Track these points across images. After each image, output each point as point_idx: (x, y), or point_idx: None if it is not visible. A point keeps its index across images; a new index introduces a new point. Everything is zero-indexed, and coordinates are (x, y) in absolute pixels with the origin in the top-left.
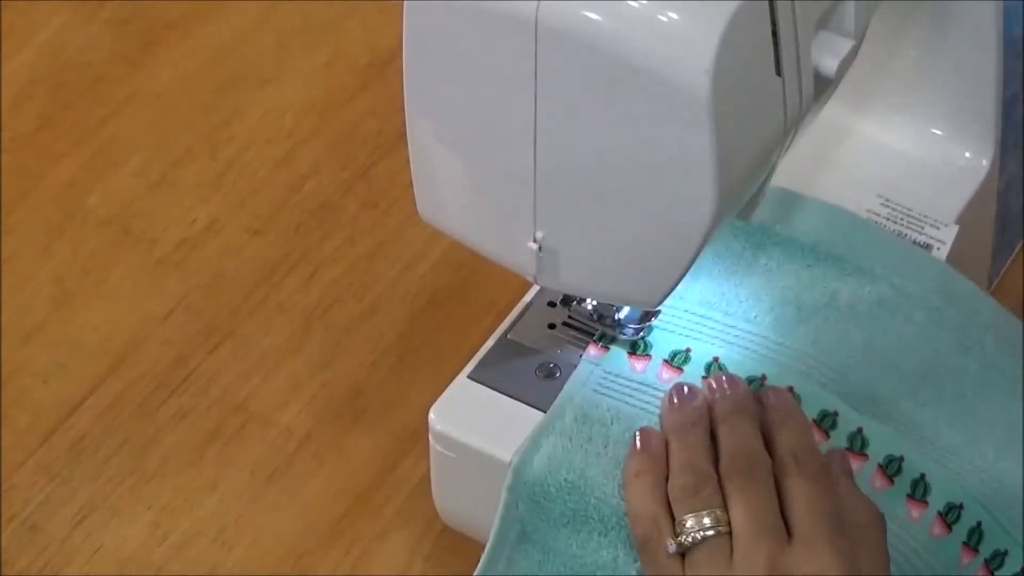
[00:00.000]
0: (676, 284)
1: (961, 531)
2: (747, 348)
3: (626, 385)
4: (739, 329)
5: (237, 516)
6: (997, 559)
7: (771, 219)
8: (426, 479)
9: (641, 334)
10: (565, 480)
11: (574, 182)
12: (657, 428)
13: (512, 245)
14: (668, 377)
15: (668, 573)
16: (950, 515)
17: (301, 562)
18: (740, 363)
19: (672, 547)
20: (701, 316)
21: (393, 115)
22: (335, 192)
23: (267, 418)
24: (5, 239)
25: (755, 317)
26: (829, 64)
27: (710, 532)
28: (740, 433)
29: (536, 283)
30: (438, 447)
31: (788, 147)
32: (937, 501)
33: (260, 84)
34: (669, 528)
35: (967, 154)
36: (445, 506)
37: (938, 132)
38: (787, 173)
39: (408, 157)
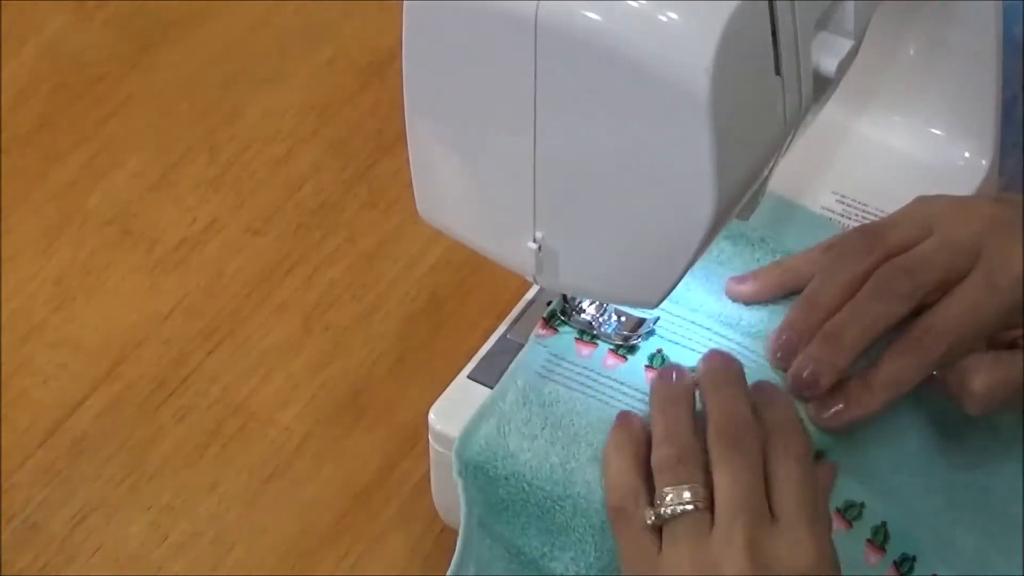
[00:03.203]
0: (676, 284)
1: None
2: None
3: (570, 369)
4: (713, 332)
5: (237, 516)
6: None
7: (764, 227)
8: (426, 479)
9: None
10: (502, 464)
11: (574, 182)
12: (601, 411)
13: (512, 245)
14: (612, 364)
15: (642, 545)
16: (903, 566)
17: (301, 562)
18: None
19: (651, 518)
20: (672, 315)
21: (393, 115)
22: (335, 192)
23: (267, 418)
24: (5, 239)
25: (725, 317)
26: (829, 64)
27: (689, 506)
28: (730, 402)
29: (536, 283)
30: (438, 447)
31: (788, 147)
32: (895, 551)
33: (260, 84)
34: (646, 499)
35: (967, 154)
36: (445, 506)
37: (937, 132)
38: (786, 173)
39: (408, 157)
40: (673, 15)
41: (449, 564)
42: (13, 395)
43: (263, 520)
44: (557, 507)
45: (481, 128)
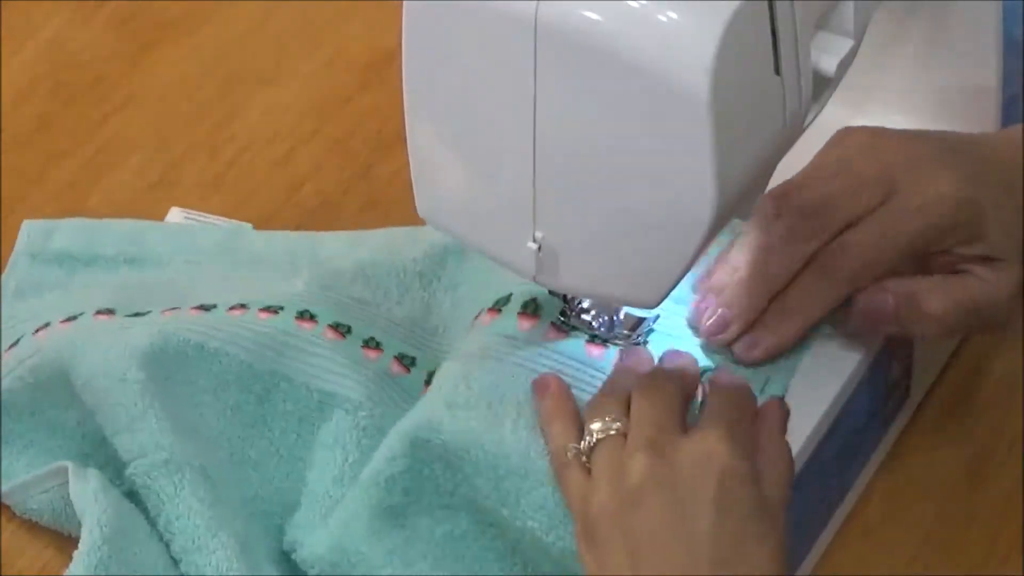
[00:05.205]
0: (676, 284)
1: None
2: None
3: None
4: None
5: None
6: None
7: None
8: None
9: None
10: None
11: (574, 182)
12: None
13: (512, 245)
14: (264, 317)
15: (575, 482)
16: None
17: None
18: None
19: (573, 451)
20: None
21: (393, 115)
22: (335, 192)
23: None
24: (5, 239)
25: None
26: (829, 64)
27: (612, 431)
28: (663, 368)
29: (536, 283)
30: None
31: (788, 147)
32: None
33: (260, 84)
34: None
35: None
36: None
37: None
38: (787, 173)
39: (408, 157)
40: (673, 15)
41: None
42: None
43: None
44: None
45: (481, 128)
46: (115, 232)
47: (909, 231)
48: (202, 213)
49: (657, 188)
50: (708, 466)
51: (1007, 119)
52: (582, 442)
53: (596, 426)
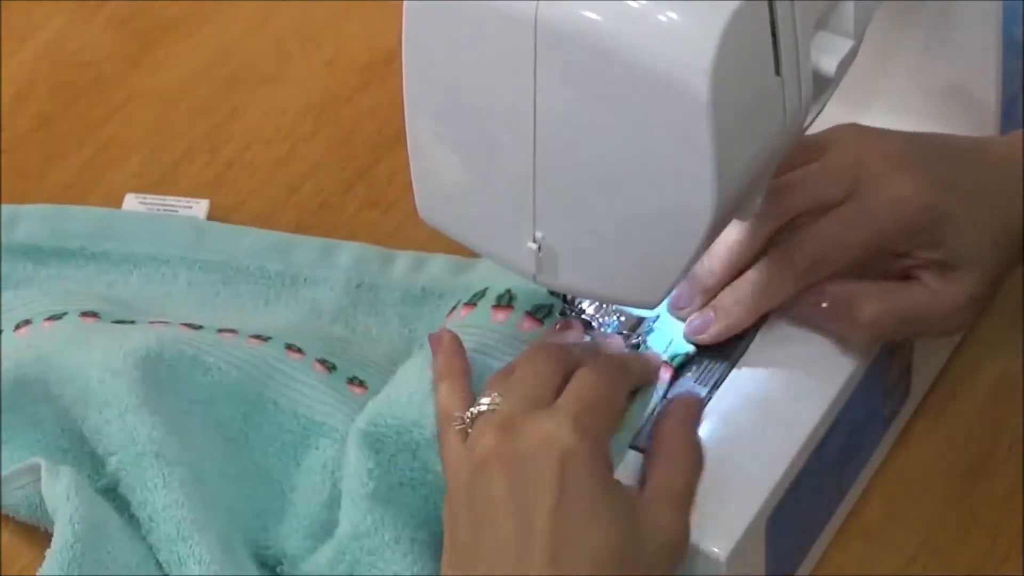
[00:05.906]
0: (676, 284)
1: None
2: None
3: None
4: None
5: None
6: None
7: None
8: None
9: (639, 337)
10: None
11: (574, 182)
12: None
13: (512, 245)
14: (253, 343)
15: (450, 446)
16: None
17: None
18: None
19: (458, 422)
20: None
21: (393, 115)
22: (335, 192)
23: None
24: None
25: None
26: (829, 64)
27: (494, 408)
28: (566, 340)
29: (536, 283)
30: None
31: (788, 147)
32: None
33: (260, 84)
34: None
35: None
36: None
37: (938, 132)
38: None
39: (408, 157)
40: (673, 15)
41: None
42: None
43: None
44: None
45: (481, 128)
46: (81, 222)
47: (865, 232)
48: (157, 196)
49: (657, 188)
50: (551, 446)
51: (1007, 118)
52: (467, 412)
53: (484, 400)
